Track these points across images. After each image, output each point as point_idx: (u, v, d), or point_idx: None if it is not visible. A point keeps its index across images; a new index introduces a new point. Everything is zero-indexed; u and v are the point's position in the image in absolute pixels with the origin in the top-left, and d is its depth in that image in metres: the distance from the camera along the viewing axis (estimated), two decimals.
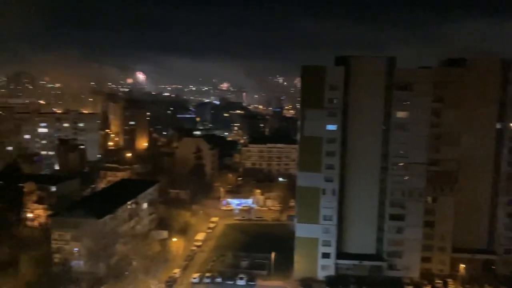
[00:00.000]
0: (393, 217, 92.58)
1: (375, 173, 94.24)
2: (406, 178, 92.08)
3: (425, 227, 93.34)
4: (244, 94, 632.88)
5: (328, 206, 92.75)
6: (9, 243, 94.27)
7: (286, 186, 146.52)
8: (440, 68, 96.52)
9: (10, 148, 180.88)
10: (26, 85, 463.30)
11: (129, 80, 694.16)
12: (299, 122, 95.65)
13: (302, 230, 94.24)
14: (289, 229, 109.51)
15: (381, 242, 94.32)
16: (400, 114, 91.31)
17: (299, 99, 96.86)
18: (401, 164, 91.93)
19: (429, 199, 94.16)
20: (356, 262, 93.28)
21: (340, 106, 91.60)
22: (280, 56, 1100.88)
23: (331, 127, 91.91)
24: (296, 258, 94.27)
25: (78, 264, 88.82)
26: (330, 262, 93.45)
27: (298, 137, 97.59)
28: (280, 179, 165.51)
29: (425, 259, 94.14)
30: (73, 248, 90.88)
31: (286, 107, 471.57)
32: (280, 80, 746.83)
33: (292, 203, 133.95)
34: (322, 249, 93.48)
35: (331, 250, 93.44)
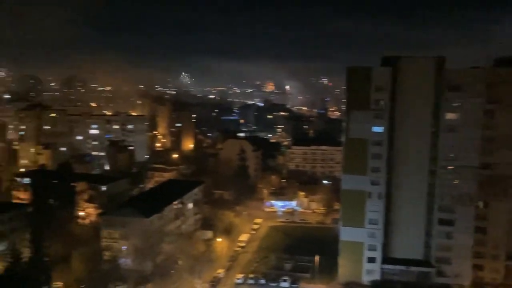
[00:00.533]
0: (442, 222, 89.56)
1: (423, 176, 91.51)
2: (456, 182, 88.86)
3: (477, 233, 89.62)
4: (288, 95, 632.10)
5: (374, 209, 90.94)
6: (62, 240, 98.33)
7: (331, 188, 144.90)
8: (493, 68, 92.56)
9: (63, 148, 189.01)
10: (78, 88, 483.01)
11: (176, 83, 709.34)
12: (344, 124, 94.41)
13: (346, 234, 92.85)
14: (333, 232, 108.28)
15: (429, 248, 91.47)
16: (450, 116, 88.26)
17: (344, 100, 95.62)
18: (451, 167, 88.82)
19: (481, 204, 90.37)
20: (403, 267, 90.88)
21: (386, 108, 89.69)
22: (325, 57, 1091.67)
23: (377, 129, 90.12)
24: (341, 261, 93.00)
25: (126, 262, 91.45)
26: (376, 266, 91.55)
27: (343, 139, 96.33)
28: (325, 181, 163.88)
29: (476, 267, 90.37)
30: (122, 246, 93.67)
31: (330, 109, 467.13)
32: (325, 81, 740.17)
33: (336, 206, 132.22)
34: (368, 254, 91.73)
35: (377, 254, 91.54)
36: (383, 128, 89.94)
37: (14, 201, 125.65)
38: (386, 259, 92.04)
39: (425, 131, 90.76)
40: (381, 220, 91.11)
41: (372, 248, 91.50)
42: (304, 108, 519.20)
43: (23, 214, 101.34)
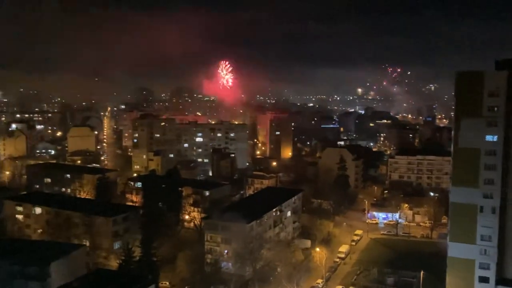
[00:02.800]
0: None
1: None
2: None
3: None
4: (392, 102, 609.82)
5: (486, 225, 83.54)
6: (169, 241, 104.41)
7: (438, 201, 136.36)
8: None
9: (172, 155, 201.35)
10: (186, 99, 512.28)
11: (276, 92, 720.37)
12: (453, 132, 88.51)
13: (455, 250, 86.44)
14: (439, 248, 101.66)
15: None
16: None
17: (453, 107, 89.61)
18: None
19: None
20: None
21: (501, 115, 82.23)
22: (432, 62, 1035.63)
23: (490, 137, 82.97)
24: (448, 279, 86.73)
25: (227, 265, 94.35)
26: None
27: (451, 148, 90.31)
28: (431, 193, 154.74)
29: None
30: (223, 250, 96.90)
31: (438, 116, 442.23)
32: (432, 87, 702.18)
33: (444, 219, 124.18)
34: (479, 272, 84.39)
35: (490, 274, 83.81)
36: (497, 136, 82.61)
37: (128, 203, 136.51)
38: (501, 280, 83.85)
39: None
40: (495, 236, 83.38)
41: (484, 267, 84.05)
42: (409, 116, 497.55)
43: (135, 216, 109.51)
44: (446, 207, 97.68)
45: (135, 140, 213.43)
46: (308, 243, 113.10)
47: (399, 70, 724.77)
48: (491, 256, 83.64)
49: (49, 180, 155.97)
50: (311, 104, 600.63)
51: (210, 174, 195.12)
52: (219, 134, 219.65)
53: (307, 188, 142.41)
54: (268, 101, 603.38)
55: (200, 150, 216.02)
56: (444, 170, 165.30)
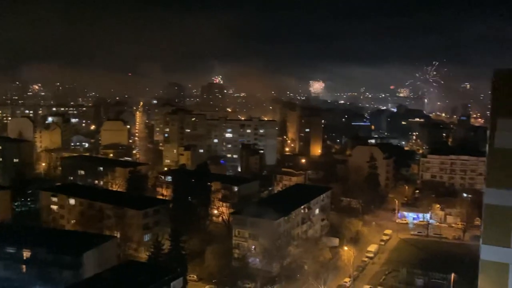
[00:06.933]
0: None
1: None
2: None
3: None
4: (425, 101, 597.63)
5: None
6: (198, 235, 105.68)
7: (471, 202, 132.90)
8: None
9: (201, 150, 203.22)
10: (217, 95, 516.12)
11: (306, 89, 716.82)
12: (488, 132, 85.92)
13: (488, 253, 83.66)
14: (471, 250, 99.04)
15: None
16: None
17: (489, 106, 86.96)
18: None
19: None
20: None
21: None
22: (468, 60, 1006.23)
23: None
24: (480, 283, 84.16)
25: (254, 261, 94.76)
26: None
27: (486, 149, 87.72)
28: (464, 194, 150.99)
29: None
30: (251, 245, 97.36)
31: (473, 115, 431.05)
32: (468, 85, 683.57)
33: (477, 221, 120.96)
34: None
35: None
36: None
37: (158, 196, 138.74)
38: None
39: None
40: None
41: None
42: (443, 115, 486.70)
43: (165, 209, 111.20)
44: (480, 208, 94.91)
45: (166, 135, 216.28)
46: (336, 241, 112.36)
47: (433, 68, 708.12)
48: None
49: (82, 172, 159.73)
50: (342, 101, 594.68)
51: (239, 169, 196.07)
52: (248, 130, 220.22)
53: (336, 186, 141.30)
54: (298, 97, 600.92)
55: (229, 145, 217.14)
56: (478, 170, 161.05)
